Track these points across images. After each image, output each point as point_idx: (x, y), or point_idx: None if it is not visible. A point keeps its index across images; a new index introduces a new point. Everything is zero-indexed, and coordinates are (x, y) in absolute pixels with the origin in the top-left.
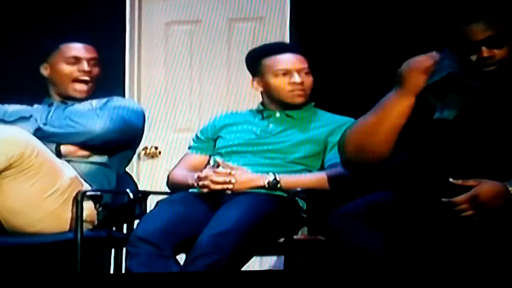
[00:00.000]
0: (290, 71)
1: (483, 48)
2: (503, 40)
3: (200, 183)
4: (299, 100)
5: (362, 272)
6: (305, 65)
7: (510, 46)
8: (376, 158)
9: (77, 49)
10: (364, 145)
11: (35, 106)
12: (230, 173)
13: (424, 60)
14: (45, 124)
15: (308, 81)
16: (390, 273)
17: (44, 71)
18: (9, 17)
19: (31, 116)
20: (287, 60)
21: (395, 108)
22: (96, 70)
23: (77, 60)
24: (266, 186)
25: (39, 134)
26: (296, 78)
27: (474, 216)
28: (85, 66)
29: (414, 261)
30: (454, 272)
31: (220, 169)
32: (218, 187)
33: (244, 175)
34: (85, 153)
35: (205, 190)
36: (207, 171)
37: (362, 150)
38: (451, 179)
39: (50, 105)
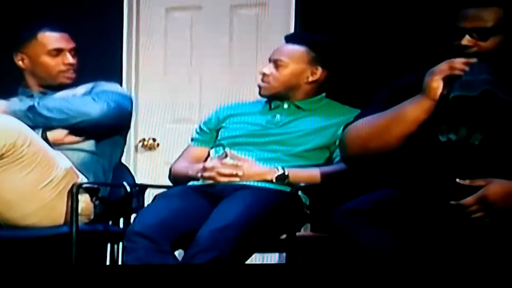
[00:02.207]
0: None
1: (466, 36)
2: (490, 33)
3: (206, 174)
4: None
5: (368, 269)
6: None
7: (501, 39)
8: (379, 156)
9: (57, 39)
10: (370, 146)
11: (12, 100)
12: (237, 165)
13: (447, 68)
14: (38, 104)
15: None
16: (396, 271)
17: (20, 62)
18: None
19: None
20: None
21: (412, 113)
22: (76, 59)
23: (59, 51)
24: (274, 180)
25: (32, 115)
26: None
27: (484, 218)
28: (69, 58)
29: (420, 259)
30: (461, 270)
31: (228, 160)
32: (224, 179)
33: (252, 168)
34: (73, 139)
35: (210, 181)
36: (213, 162)
37: (367, 150)
38: (458, 180)
39: (30, 96)
